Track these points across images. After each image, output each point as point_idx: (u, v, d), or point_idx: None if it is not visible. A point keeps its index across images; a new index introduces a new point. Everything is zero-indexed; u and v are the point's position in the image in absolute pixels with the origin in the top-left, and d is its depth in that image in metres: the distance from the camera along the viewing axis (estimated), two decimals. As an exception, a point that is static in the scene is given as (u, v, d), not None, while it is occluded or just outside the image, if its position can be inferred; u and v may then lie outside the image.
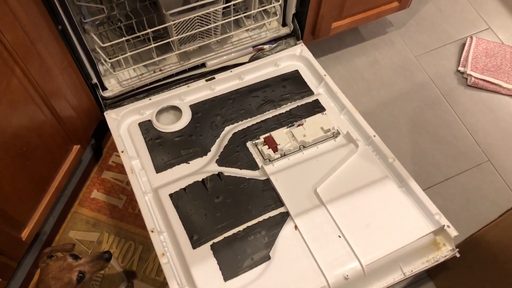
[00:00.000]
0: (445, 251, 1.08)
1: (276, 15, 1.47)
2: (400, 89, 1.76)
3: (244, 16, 1.44)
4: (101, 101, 1.31)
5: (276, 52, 1.46)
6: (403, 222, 1.09)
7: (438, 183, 1.55)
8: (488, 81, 1.75)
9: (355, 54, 1.85)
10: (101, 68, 1.32)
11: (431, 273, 1.37)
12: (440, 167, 1.58)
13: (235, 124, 1.30)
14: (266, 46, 1.47)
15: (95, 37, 1.21)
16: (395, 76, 1.79)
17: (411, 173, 1.20)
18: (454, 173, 1.58)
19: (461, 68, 1.80)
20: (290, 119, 1.30)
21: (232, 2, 1.31)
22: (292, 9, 1.44)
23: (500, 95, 1.76)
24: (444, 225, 1.07)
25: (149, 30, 1.24)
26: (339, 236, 1.06)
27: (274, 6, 1.45)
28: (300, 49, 1.46)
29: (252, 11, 1.41)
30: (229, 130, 1.28)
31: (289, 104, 1.34)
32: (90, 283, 1.31)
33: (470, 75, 1.76)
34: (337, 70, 1.79)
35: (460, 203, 1.51)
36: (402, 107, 1.72)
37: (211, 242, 1.06)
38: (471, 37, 1.87)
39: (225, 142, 1.25)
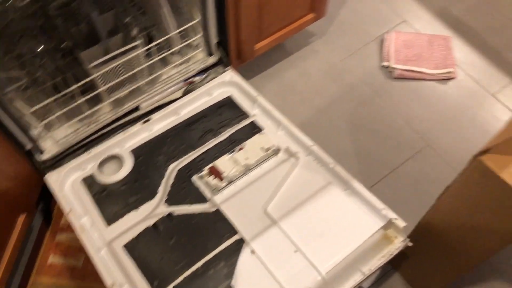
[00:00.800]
0: (398, 243, 1.11)
1: (201, 47, 1.50)
2: (333, 94, 1.83)
3: (170, 53, 1.47)
4: (39, 166, 1.29)
5: (207, 82, 1.48)
6: (353, 224, 1.13)
7: (385, 176, 1.61)
8: (412, 70, 1.85)
9: (284, 68, 1.90)
10: (34, 132, 1.30)
11: (394, 264, 1.42)
12: (384, 161, 1.65)
13: (179, 160, 1.31)
14: (196, 78, 1.50)
15: (19, 105, 1.19)
16: (325, 82, 1.86)
17: (358, 171, 1.25)
18: (399, 163, 1.65)
19: (385, 63, 1.89)
20: (231, 145, 1.32)
21: (153, 43, 1.33)
22: (213, 39, 1.47)
23: (426, 81, 1.86)
24: (391, 219, 1.12)
25: (74, 86, 1.24)
26: (295, 251, 1.09)
27: (196, 39, 1.48)
28: (230, 75, 1.49)
29: (176, 48, 1.44)
30: (173, 168, 1.29)
31: (228, 130, 1.37)
32: None
33: (395, 68, 1.85)
34: (270, 88, 1.84)
35: (410, 191, 1.58)
36: (338, 111, 1.78)
37: (172, 285, 1.06)
38: (389, 32, 1.97)
39: (171, 180, 1.26)
